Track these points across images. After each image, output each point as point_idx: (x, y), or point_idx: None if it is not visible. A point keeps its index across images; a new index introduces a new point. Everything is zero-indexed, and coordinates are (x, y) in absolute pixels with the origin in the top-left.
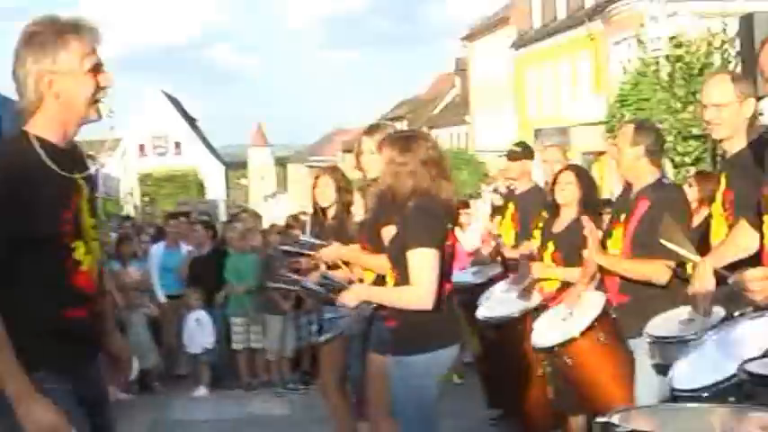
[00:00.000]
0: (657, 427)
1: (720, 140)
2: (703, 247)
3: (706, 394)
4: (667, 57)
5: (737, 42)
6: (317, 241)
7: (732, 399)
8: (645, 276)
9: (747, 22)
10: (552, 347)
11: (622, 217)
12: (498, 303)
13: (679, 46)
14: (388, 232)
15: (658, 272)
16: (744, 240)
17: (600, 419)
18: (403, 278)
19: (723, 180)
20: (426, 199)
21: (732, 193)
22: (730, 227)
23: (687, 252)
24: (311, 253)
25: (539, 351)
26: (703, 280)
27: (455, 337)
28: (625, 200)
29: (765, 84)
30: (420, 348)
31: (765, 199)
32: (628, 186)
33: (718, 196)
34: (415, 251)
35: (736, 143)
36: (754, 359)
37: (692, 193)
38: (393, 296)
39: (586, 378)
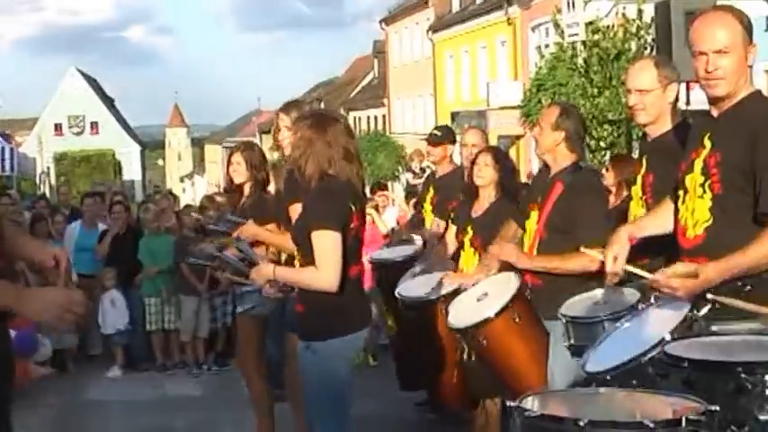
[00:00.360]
0: (568, 412)
1: (644, 125)
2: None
3: (609, 377)
4: (584, 42)
5: (653, 29)
6: (239, 219)
7: (635, 381)
8: (575, 271)
9: (664, 8)
10: (467, 328)
11: (539, 199)
12: (418, 285)
13: (596, 32)
14: (295, 211)
15: (589, 264)
16: (665, 215)
17: (512, 404)
18: (307, 259)
19: (644, 163)
20: (330, 180)
21: (652, 176)
22: (648, 210)
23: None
24: (231, 231)
25: (454, 332)
26: (618, 243)
27: (364, 320)
28: (542, 181)
29: (693, 59)
30: (329, 333)
31: (682, 175)
32: (545, 167)
33: (639, 179)
34: (318, 233)
35: (659, 127)
36: (673, 341)
37: (608, 177)
38: (299, 277)
39: (502, 358)
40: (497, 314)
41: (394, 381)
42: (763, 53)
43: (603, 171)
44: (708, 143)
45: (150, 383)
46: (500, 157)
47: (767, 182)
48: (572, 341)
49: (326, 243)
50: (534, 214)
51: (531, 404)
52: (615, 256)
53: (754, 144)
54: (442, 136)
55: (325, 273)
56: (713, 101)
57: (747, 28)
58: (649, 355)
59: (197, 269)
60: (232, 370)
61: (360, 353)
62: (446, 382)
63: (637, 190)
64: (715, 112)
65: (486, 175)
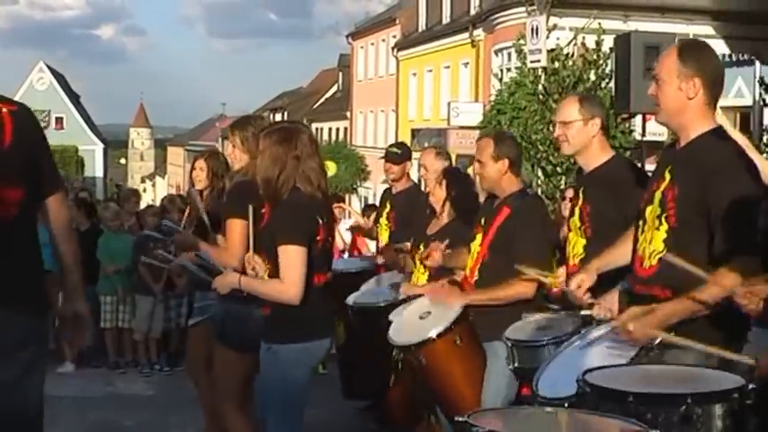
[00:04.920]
0: (515, 430)
1: (570, 156)
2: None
3: (566, 404)
4: (545, 69)
5: (612, 59)
6: (176, 227)
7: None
8: (514, 298)
9: (624, 40)
10: (408, 346)
11: (483, 221)
12: (370, 294)
13: (556, 59)
14: (232, 227)
15: (523, 290)
16: (626, 247)
17: (460, 419)
18: (276, 270)
19: (581, 195)
20: (297, 193)
21: (590, 207)
22: (588, 240)
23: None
24: (167, 239)
25: (396, 348)
26: (585, 273)
27: (327, 329)
28: (489, 206)
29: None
30: (292, 338)
31: (644, 205)
32: (492, 196)
33: (576, 210)
34: (283, 248)
35: (591, 160)
36: (594, 369)
37: (566, 208)
38: (264, 288)
39: (440, 378)
40: (439, 336)
41: (339, 389)
42: None
43: (561, 200)
44: (668, 175)
45: (101, 381)
46: (452, 178)
47: (721, 223)
48: (516, 364)
49: (291, 258)
50: (479, 236)
51: (480, 420)
52: (579, 284)
53: (706, 184)
54: (402, 154)
55: (289, 287)
56: (676, 135)
57: (588, 109)
58: None
59: (155, 269)
60: (183, 371)
61: None
62: (394, 393)
63: (575, 221)
64: (678, 145)
65: (436, 194)
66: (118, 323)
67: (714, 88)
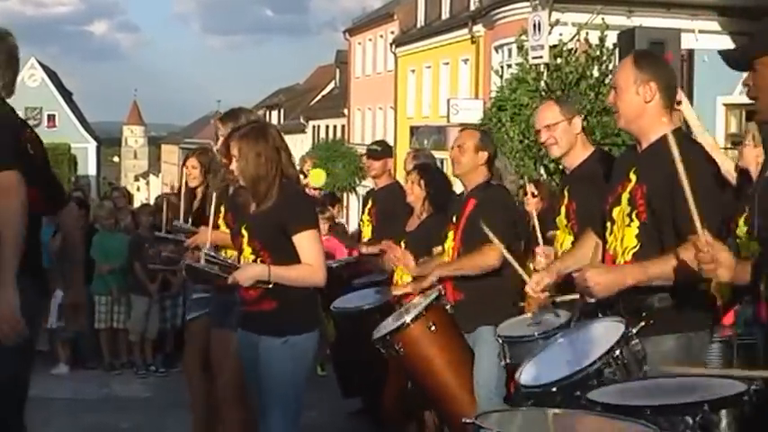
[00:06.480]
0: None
1: (560, 158)
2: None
3: (554, 389)
4: (547, 66)
5: (615, 55)
6: (190, 228)
7: (578, 393)
8: (477, 266)
9: (628, 36)
10: (384, 336)
11: (454, 218)
12: (356, 297)
13: (558, 56)
14: (311, 238)
15: (486, 256)
16: (586, 247)
17: (467, 420)
18: (277, 259)
19: (566, 193)
20: (291, 183)
21: (575, 204)
22: (575, 236)
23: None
24: (183, 240)
25: (376, 343)
26: (545, 272)
27: (320, 318)
28: (459, 203)
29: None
30: (306, 327)
31: (609, 207)
32: (465, 190)
33: (562, 209)
34: (305, 233)
35: (575, 159)
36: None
37: (531, 203)
38: (295, 274)
39: (420, 366)
40: (412, 321)
41: (336, 390)
42: (724, 88)
43: (530, 196)
44: (633, 177)
45: (96, 382)
46: (427, 174)
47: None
48: (508, 360)
49: (313, 241)
50: (451, 233)
51: (488, 422)
52: (538, 281)
53: (673, 178)
54: (382, 151)
55: (317, 269)
56: (636, 139)
57: (567, 109)
58: (592, 369)
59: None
60: (179, 372)
61: None
62: (387, 394)
63: (561, 219)
64: (639, 149)
65: (414, 192)
66: (113, 324)
67: (669, 91)
